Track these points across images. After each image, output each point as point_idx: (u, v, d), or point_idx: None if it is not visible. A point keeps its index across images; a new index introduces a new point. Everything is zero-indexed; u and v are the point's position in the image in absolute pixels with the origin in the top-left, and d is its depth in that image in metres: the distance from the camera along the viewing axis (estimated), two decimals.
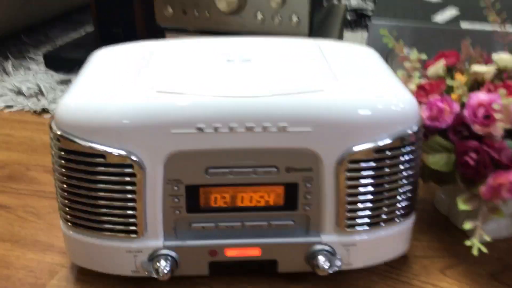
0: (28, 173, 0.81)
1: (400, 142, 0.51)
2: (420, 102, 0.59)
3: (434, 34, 0.93)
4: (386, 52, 0.80)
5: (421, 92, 0.62)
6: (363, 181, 0.52)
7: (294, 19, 0.90)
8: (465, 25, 0.95)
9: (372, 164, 0.51)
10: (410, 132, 0.51)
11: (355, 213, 0.53)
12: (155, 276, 0.53)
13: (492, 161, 0.53)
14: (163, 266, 0.53)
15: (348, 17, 1.55)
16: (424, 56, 0.62)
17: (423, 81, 0.63)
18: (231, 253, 0.55)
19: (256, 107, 0.49)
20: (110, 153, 0.49)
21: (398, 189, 0.53)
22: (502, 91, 0.54)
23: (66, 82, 1.11)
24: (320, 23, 1.07)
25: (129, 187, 0.51)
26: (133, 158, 0.49)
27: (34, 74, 1.15)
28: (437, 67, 0.64)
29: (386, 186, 0.52)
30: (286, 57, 0.59)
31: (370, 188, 0.52)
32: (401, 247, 0.58)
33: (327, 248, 0.55)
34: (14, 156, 0.86)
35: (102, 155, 0.49)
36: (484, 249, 0.53)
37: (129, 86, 0.52)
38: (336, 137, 0.50)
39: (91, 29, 1.41)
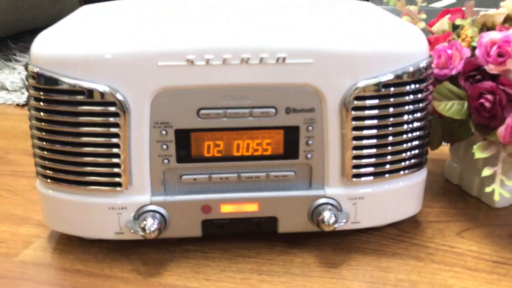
0: (7, 156, 0.75)
1: (408, 77, 0.47)
2: None
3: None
4: None
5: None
6: (369, 122, 0.47)
7: None
8: None
9: (379, 101, 0.46)
10: (419, 66, 0.47)
11: (361, 160, 0.48)
12: (141, 234, 0.47)
13: (509, 100, 0.49)
14: (150, 224, 0.47)
15: None
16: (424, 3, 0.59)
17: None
18: (226, 208, 0.49)
19: (252, 35, 0.45)
20: (92, 89, 0.44)
21: (407, 133, 0.48)
22: None
23: None
24: None
25: (113, 129, 0.45)
26: (118, 96, 0.45)
27: (19, 73, 1.11)
28: (442, 22, 0.60)
29: (392, 129, 0.48)
30: (282, 5, 0.56)
31: (377, 131, 0.47)
32: (412, 206, 0.53)
33: (332, 202, 0.49)
34: None
35: (83, 91, 0.44)
36: (506, 194, 0.48)
37: (113, 21, 0.48)
38: (339, 71, 0.45)
39: None
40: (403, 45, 0.47)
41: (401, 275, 0.48)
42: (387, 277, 0.48)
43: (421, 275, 0.48)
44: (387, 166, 0.49)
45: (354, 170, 0.48)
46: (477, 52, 0.51)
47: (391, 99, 0.47)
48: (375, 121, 0.47)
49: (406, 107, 0.48)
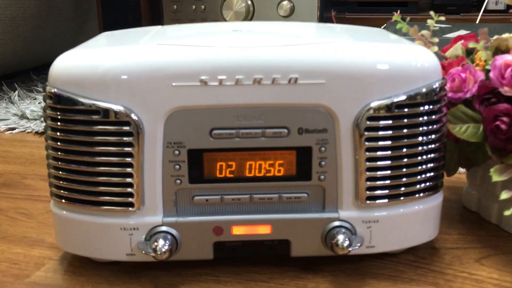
0: (23, 181, 0.76)
1: (421, 98, 0.46)
2: None
3: None
4: None
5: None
6: (383, 143, 0.47)
7: None
8: None
9: (393, 122, 0.46)
10: (432, 87, 0.47)
11: (375, 182, 0.48)
12: (152, 255, 0.47)
13: None
14: (161, 245, 0.47)
15: None
16: (442, 18, 0.59)
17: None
18: (238, 230, 0.48)
19: (264, 57, 0.45)
20: (108, 109, 0.45)
21: (421, 155, 0.48)
22: None
23: None
24: None
25: (127, 149, 0.46)
26: (132, 116, 0.45)
27: (39, 103, 1.13)
28: (456, 47, 0.61)
29: (407, 150, 0.47)
30: (295, 27, 0.57)
31: (391, 152, 0.47)
32: (429, 231, 0.52)
33: (346, 225, 0.49)
34: (11, 167, 0.82)
35: (99, 111, 0.45)
36: None
37: (129, 43, 0.49)
38: (351, 91, 0.46)
39: None
40: (415, 66, 0.47)
41: None
42: None
43: None
44: (402, 189, 0.48)
45: (368, 193, 0.48)
46: (491, 74, 0.51)
47: (405, 120, 0.47)
48: (389, 142, 0.47)
49: (420, 129, 0.47)
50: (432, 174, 0.49)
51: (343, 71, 0.45)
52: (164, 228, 0.48)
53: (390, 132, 0.47)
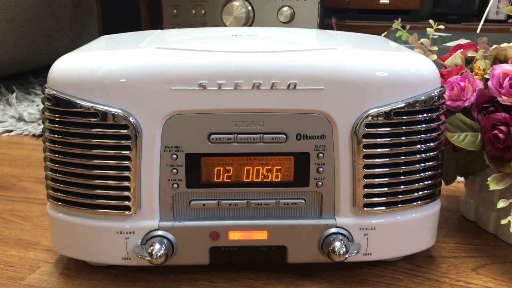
0: (20, 183, 0.76)
1: (420, 106, 0.46)
2: None
3: None
4: None
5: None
6: (381, 150, 0.47)
7: None
8: None
9: (391, 129, 0.46)
10: (430, 95, 0.47)
11: (373, 189, 0.47)
12: (148, 259, 0.47)
13: None
14: (157, 249, 0.47)
15: None
16: (441, 26, 0.59)
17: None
18: (234, 236, 0.48)
19: (264, 62, 0.45)
20: (106, 112, 0.45)
21: (419, 162, 0.48)
22: None
23: None
24: None
25: (124, 152, 0.46)
26: (130, 119, 0.45)
27: (37, 105, 1.13)
28: (455, 56, 0.61)
29: (405, 158, 0.47)
30: (294, 33, 0.57)
31: (389, 159, 0.47)
32: (426, 239, 0.52)
33: (343, 231, 0.48)
34: (7, 170, 0.81)
35: (97, 114, 0.45)
36: None
37: (128, 46, 0.49)
38: (350, 98, 0.46)
39: None
40: (414, 73, 0.47)
41: None
42: None
43: None
44: (400, 196, 0.48)
45: (366, 200, 0.48)
46: (489, 83, 0.51)
47: (403, 128, 0.47)
48: (387, 150, 0.47)
49: (419, 136, 0.47)
50: (430, 182, 0.49)
51: (342, 78, 0.45)
52: (160, 233, 0.48)
53: (388, 139, 0.47)
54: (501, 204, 0.48)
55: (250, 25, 0.88)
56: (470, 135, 0.52)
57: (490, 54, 0.56)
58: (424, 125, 0.47)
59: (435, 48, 0.58)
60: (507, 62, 0.54)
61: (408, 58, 0.48)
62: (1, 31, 1.23)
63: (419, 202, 0.49)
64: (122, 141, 0.46)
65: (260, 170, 0.48)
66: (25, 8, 1.30)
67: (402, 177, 0.48)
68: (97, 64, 0.46)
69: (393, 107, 0.46)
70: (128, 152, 0.46)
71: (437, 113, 0.48)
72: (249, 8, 0.84)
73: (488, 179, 0.50)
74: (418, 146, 0.47)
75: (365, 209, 0.48)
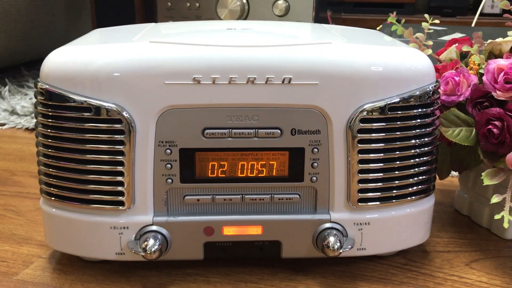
0: (13, 177, 0.75)
1: (414, 101, 0.46)
2: None
3: None
4: None
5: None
6: (376, 145, 0.47)
7: None
8: None
9: (386, 124, 0.46)
10: (425, 90, 0.47)
11: (367, 184, 0.47)
12: (142, 254, 0.46)
13: None
14: (151, 244, 0.46)
15: None
16: (436, 21, 0.59)
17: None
18: (229, 231, 0.48)
19: (259, 56, 0.45)
20: (99, 107, 0.45)
21: (414, 157, 0.48)
22: None
23: None
24: None
25: (118, 147, 0.45)
26: (124, 114, 0.45)
27: (30, 98, 1.12)
28: (450, 51, 0.61)
29: (399, 153, 0.47)
30: (289, 27, 0.57)
31: (383, 154, 0.47)
32: (420, 234, 0.52)
33: (337, 226, 0.48)
34: (0, 164, 0.81)
35: (90, 108, 0.45)
36: None
37: (122, 40, 0.48)
38: (345, 93, 0.45)
39: None
40: (409, 68, 0.47)
41: None
42: None
43: None
44: (394, 191, 0.48)
45: (360, 195, 0.48)
46: (484, 78, 0.51)
47: (398, 123, 0.47)
48: (381, 145, 0.47)
49: (413, 131, 0.47)
50: (424, 177, 0.49)
51: (337, 73, 0.45)
52: (154, 228, 0.48)
53: (383, 134, 0.47)
54: (495, 199, 0.48)
55: (245, 19, 0.88)
56: (464, 130, 0.52)
57: (485, 48, 0.56)
58: (419, 120, 0.47)
59: (430, 42, 0.58)
60: (502, 57, 0.54)
61: (403, 53, 0.48)
62: None
63: (413, 197, 0.49)
64: (116, 136, 0.45)
65: (255, 165, 0.48)
66: (17, 0, 1.29)
67: (396, 172, 0.48)
68: (91, 58, 0.45)
69: (388, 102, 0.46)
70: (121, 147, 0.45)
71: (432, 108, 0.48)
72: (244, 1, 0.84)
73: (482, 174, 0.50)
74: (413, 141, 0.47)
75: (360, 204, 0.48)
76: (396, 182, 0.48)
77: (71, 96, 0.45)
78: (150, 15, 1.03)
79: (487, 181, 0.49)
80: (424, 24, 0.58)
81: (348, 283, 0.50)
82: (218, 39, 0.48)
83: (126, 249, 0.48)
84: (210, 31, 0.56)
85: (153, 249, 0.46)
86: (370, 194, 0.48)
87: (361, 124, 0.46)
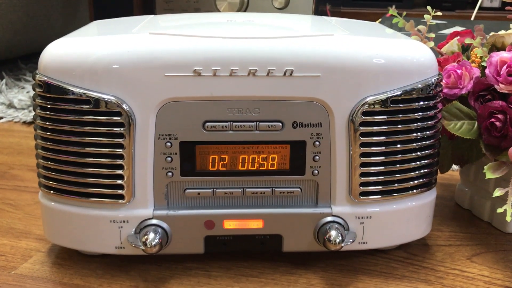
0: (11, 171, 0.75)
1: (417, 94, 0.46)
2: None
3: None
4: None
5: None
6: (377, 138, 0.46)
7: None
8: None
9: (388, 117, 0.46)
10: (428, 83, 0.46)
11: (369, 177, 0.47)
12: (142, 248, 0.46)
13: None
14: (152, 238, 0.46)
15: None
16: (439, 13, 0.58)
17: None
18: (230, 225, 0.48)
19: (260, 48, 0.44)
20: (98, 99, 0.44)
21: (416, 151, 0.47)
22: None
23: None
24: None
25: (117, 140, 0.45)
26: (124, 106, 0.44)
27: (27, 92, 1.11)
28: (452, 44, 0.60)
29: (401, 146, 0.47)
30: (290, 20, 0.56)
31: (385, 148, 0.47)
32: (421, 228, 0.52)
33: (338, 220, 0.48)
34: None
35: (89, 101, 0.44)
36: None
37: (121, 32, 0.48)
38: (347, 85, 0.45)
39: None
40: (411, 61, 0.46)
41: None
42: None
43: None
44: (396, 185, 0.48)
45: (362, 188, 0.47)
46: (487, 71, 0.51)
47: (400, 116, 0.46)
48: (383, 138, 0.46)
49: (415, 124, 0.47)
50: (426, 170, 0.49)
51: (339, 65, 0.44)
52: (154, 221, 0.47)
53: (385, 127, 0.46)
54: (497, 193, 0.47)
55: (244, 11, 0.87)
56: (466, 123, 0.52)
57: (488, 41, 0.55)
58: (421, 113, 0.47)
59: (432, 35, 0.57)
60: (504, 50, 0.54)
61: (406, 45, 0.48)
62: None
63: (415, 191, 0.49)
64: (115, 129, 0.45)
65: (256, 159, 0.47)
66: None
67: (398, 165, 0.47)
68: (89, 50, 0.45)
69: (390, 95, 0.45)
70: (121, 140, 0.45)
71: (434, 101, 0.47)
72: None
73: (485, 167, 0.50)
74: (415, 134, 0.47)
75: (361, 197, 0.48)
76: (398, 175, 0.48)
77: (70, 88, 0.44)
78: (148, 8, 1.02)
79: (489, 175, 0.49)
80: (426, 17, 0.58)
81: (349, 277, 0.49)
82: (219, 30, 0.47)
83: (126, 243, 0.48)
84: (210, 23, 0.56)
85: (153, 243, 0.46)
86: (372, 188, 0.48)
87: (363, 117, 0.45)
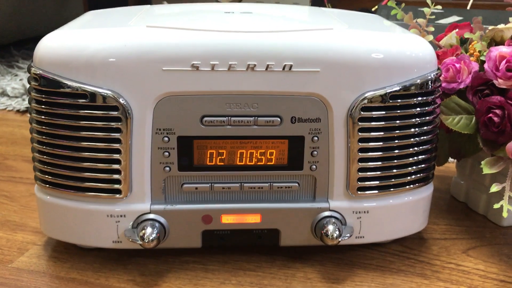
0: (5, 162, 0.74)
1: (415, 89, 0.46)
2: None
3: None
4: None
5: None
6: (376, 134, 0.46)
7: None
8: None
9: (386, 113, 0.46)
10: (427, 79, 0.46)
11: (367, 172, 0.47)
12: (139, 243, 0.46)
13: None
14: (149, 233, 0.46)
15: None
16: (439, 6, 0.58)
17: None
18: (227, 219, 0.48)
19: (259, 42, 0.44)
20: (95, 93, 0.43)
21: (413, 146, 0.47)
22: None
23: None
24: None
25: (114, 135, 0.44)
26: (121, 100, 0.44)
27: (20, 80, 1.10)
28: (450, 36, 0.60)
29: (399, 141, 0.47)
30: (289, 11, 0.55)
31: (383, 143, 0.46)
32: (418, 222, 0.52)
33: (336, 215, 0.48)
34: None
35: (86, 95, 0.44)
36: None
37: (117, 24, 0.47)
38: (346, 80, 0.45)
39: None
40: (411, 57, 0.46)
41: None
42: None
43: None
44: (393, 180, 0.48)
45: (360, 183, 0.47)
46: (485, 66, 0.50)
47: (398, 111, 0.46)
48: (382, 133, 0.46)
49: (413, 120, 0.47)
50: (423, 165, 0.49)
51: (339, 60, 0.44)
52: (152, 216, 0.47)
53: (383, 122, 0.46)
54: (494, 188, 0.48)
55: (240, 1, 0.86)
56: (464, 117, 0.52)
57: (487, 35, 0.55)
58: (419, 109, 0.47)
59: (432, 28, 0.57)
60: (503, 44, 0.54)
61: (405, 40, 0.47)
62: None
63: (411, 186, 0.49)
64: (112, 123, 0.44)
65: (254, 153, 0.47)
66: None
67: (395, 160, 0.47)
68: (85, 43, 0.44)
69: (389, 90, 0.45)
70: (118, 134, 0.44)
71: (433, 96, 0.47)
72: None
73: (482, 162, 0.50)
74: (412, 129, 0.47)
75: (359, 192, 0.48)
76: (395, 170, 0.48)
77: (66, 82, 0.44)
78: None
79: (486, 170, 0.49)
80: (426, 10, 0.57)
81: (346, 271, 0.50)
82: (218, 24, 0.47)
83: (123, 237, 0.48)
84: (208, 15, 0.55)
85: (151, 238, 0.46)
86: (370, 183, 0.48)
87: (362, 113, 0.45)
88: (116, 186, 0.46)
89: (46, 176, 0.47)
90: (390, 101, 0.45)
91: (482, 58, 0.54)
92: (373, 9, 1.03)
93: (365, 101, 0.45)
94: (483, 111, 0.50)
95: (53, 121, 0.45)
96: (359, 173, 0.47)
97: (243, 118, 0.45)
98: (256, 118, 0.46)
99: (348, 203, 0.48)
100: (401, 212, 0.50)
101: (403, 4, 0.62)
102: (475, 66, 0.53)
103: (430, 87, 0.47)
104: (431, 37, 0.55)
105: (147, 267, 0.50)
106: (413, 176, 0.49)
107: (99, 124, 0.44)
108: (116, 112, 0.44)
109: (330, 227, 0.47)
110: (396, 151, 0.47)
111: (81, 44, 0.44)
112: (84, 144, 0.45)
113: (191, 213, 0.47)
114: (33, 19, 1.37)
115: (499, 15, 1.09)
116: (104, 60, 0.43)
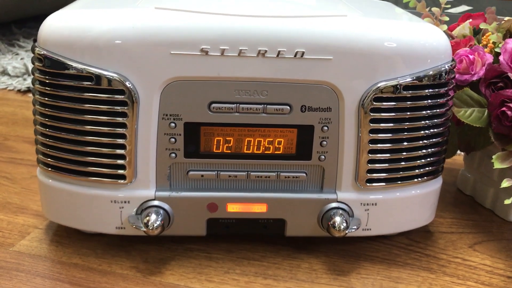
0: (5, 142, 0.73)
1: (428, 81, 0.45)
2: None
3: None
4: None
5: None
6: (387, 125, 0.45)
7: None
8: None
9: (396, 104, 0.44)
10: (440, 70, 0.45)
11: (377, 164, 0.46)
12: (143, 230, 0.45)
13: None
14: (153, 220, 0.45)
15: None
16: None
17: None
18: (233, 208, 0.47)
19: (271, 27, 0.42)
20: (100, 76, 0.42)
21: (423, 139, 0.46)
22: None
23: None
24: None
25: (119, 119, 0.43)
26: (127, 84, 0.42)
27: (21, 59, 1.08)
28: (463, 26, 0.58)
29: (408, 133, 0.46)
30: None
31: (394, 135, 0.45)
32: (425, 215, 0.51)
33: (343, 206, 0.47)
34: None
35: (91, 77, 0.42)
36: None
37: (125, 5, 0.46)
38: (359, 69, 0.43)
39: None
40: (425, 47, 0.45)
41: (412, 287, 0.46)
42: (397, 287, 0.46)
43: (432, 287, 0.46)
44: (402, 172, 0.47)
45: (369, 175, 0.46)
46: (501, 58, 0.49)
47: (411, 102, 0.45)
48: (392, 125, 0.45)
49: (424, 112, 0.46)
50: (433, 159, 0.48)
51: (352, 48, 0.43)
52: (156, 203, 0.46)
53: (394, 114, 0.45)
54: (505, 183, 0.47)
55: None
56: (476, 110, 0.51)
57: (502, 26, 0.54)
58: (430, 101, 0.45)
59: (446, 18, 0.55)
60: None
61: (420, 29, 0.46)
62: None
63: (420, 179, 0.48)
64: (118, 107, 0.43)
65: (262, 142, 0.46)
66: None
67: (404, 153, 0.46)
68: (91, 23, 0.43)
69: (401, 81, 0.44)
70: (124, 119, 0.43)
71: (446, 88, 0.46)
72: None
73: (493, 157, 0.49)
74: (423, 122, 0.46)
75: (368, 184, 0.47)
76: (405, 163, 0.47)
77: (70, 63, 0.42)
78: None
79: (497, 165, 0.48)
80: (435, 9, 0.56)
81: (352, 263, 0.49)
82: (229, 7, 0.45)
83: (126, 224, 0.47)
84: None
85: (155, 225, 0.45)
86: (379, 175, 0.47)
87: (375, 103, 0.44)
88: (121, 171, 0.45)
89: (49, 159, 0.46)
90: (403, 91, 0.44)
91: (497, 49, 0.52)
92: None
93: (378, 91, 0.44)
94: (496, 104, 0.49)
95: (57, 103, 0.44)
96: (369, 165, 0.46)
97: (252, 105, 0.44)
98: (265, 105, 0.44)
99: (356, 195, 0.47)
100: (409, 205, 0.49)
101: None
102: (489, 58, 0.52)
103: (443, 78, 0.45)
104: (445, 27, 0.54)
105: (150, 254, 0.49)
106: (422, 169, 0.48)
107: (104, 107, 0.43)
108: (122, 96, 0.43)
109: (337, 219, 0.46)
110: (405, 143, 0.46)
111: (87, 25, 0.43)
112: (88, 128, 0.44)
113: (196, 200, 0.47)
114: (34, 1, 1.35)
115: (508, 5, 1.07)
116: (110, 42, 0.42)
